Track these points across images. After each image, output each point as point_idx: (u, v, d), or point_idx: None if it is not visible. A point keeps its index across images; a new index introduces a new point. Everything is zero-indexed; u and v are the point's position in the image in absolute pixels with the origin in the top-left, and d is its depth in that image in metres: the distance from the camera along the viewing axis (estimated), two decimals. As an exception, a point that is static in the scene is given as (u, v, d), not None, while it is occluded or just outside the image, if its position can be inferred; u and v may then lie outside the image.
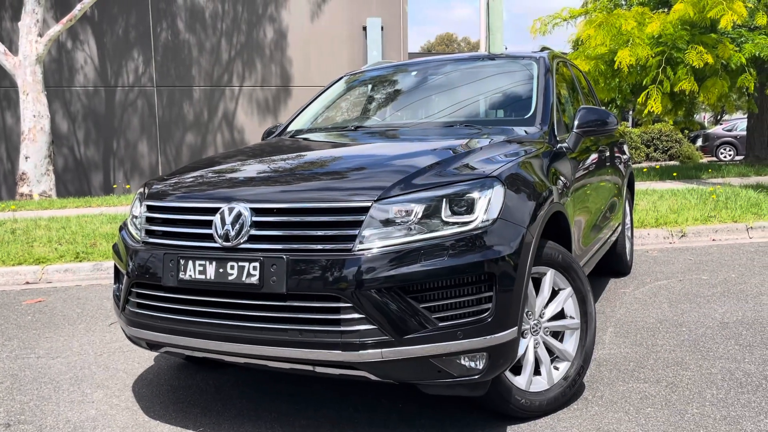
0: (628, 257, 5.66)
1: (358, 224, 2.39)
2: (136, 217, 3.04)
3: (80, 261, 6.60)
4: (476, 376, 2.43)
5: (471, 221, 2.43)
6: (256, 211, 2.52)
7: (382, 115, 3.93)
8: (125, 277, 2.81)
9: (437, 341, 2.35)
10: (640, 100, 11.35)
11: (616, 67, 11.13)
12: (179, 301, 2.60)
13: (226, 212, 2.54)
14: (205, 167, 3.17)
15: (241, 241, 2.49)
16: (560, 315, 2.95)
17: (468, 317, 2.38)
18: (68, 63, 16.48)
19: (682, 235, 7.37)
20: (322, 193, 2.50)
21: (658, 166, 16.13)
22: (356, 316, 2.33)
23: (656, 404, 2.95)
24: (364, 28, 16.95)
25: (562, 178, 3.16)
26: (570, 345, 2.96)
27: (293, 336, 2.38)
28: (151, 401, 3.20)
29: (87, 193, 16.34)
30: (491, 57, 4.24)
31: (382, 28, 16.88)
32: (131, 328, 2.79)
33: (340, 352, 2.34)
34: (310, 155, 3.18)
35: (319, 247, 2.39)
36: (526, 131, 3.35)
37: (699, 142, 27.61)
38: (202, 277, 2.51)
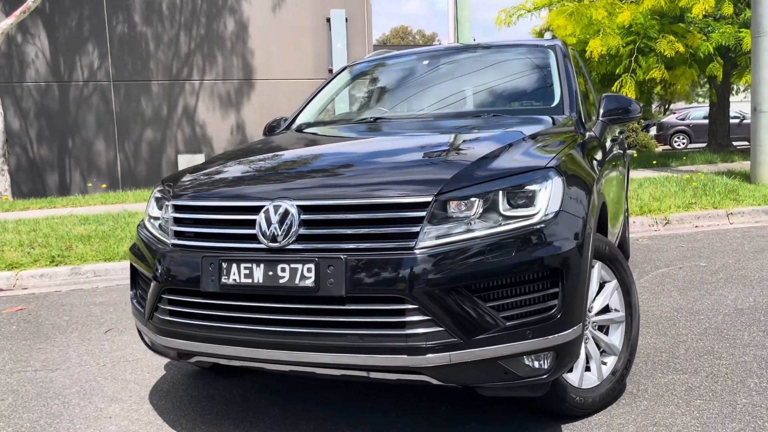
0: (628, 244, 5.68)
1: (418, 220, 2.25)
2: (155, 218, 2.83)
3: (56, 265, 6.26)
4: (543, 376, 2.33)
5: (533, 214, 2.31)
6: (304, 209, 2.35)
7: (399, 106, 3.78)
8: (152, 282, 2.60)
9: (506, 342, 2.23)
10: (614, 88, 11.49)
11: (587, 56, 11.23)
12: (221, 308, 2.42)
13: (272, 211, 2.36)
14: (229, 163, 2.98)
15: (290, 242, 2.32)
16: (606, 308, 2.87)
17: (535, 315, 2.27)
18: (19, 58, 15.74)
19: (666, 223, 7.46)
20: (376, 189, 2.35)
21: (636, 155, 16.41)
22: (422, 318, 2.19)
23: (703, 396, 2.90)
24: (328, 20, 16.70)
25: (597, 167, 3.08)
26: (616, 338, 2.88)
27: (352, 341, 2.23)
28: (174, 414, 3.00)
29: (41, 193, 15.66)
30: (503, 45, 4.13)
31: (346, 20, 16.66)
32: (162, 338, 2.59)
33: (405, 356, 2.20)
34: (344, 149, 3.01)
35: (379, 246, 2.24)
36: (556, 120, 3.25)
37: (653, 131, 28.25)
38: (249, 281, 2.33)
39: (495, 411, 2.84)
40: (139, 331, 2.97)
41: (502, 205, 2.31)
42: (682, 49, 10.69)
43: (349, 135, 3.31)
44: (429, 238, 2.23)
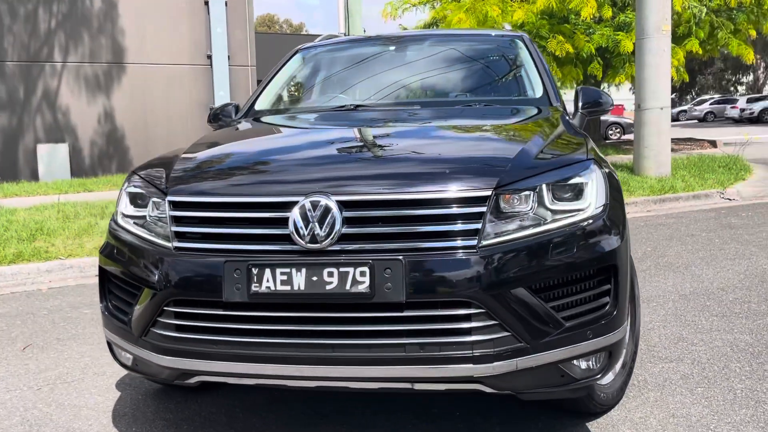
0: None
1: (478, 216, 2.07)
2: (132, 217, 2.43)
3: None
4: (597, 376, 2.24)
5: (584, 208, 2.21)
6: (345, 205, 2.08)
7: (372, 93, 3.53)
8: (146, 292, 2.21)
9: (569, 343, 2.11)
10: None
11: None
12: (247, 320, 2.09)
13: (308, 207, 2.07)
14: (227, 153, 2.61)
15: (333, 243, 2.05)
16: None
17: (591, 314, 2.17)
18: None
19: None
20: (425, 183, 2.12)
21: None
22: (489, 323, 2.02)
23: (701, 383, 2.97)
24: (207, 3, 15.84)
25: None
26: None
27: (412, 352, 2.01)
28: (155, 442, 2.60)
29: None
30: (469, 34, 4.02)
31: (226, 4, 15.90)
32: (162, 357, 2.21)
33: (471, 365, 2.01)
34: (358, 139, 2.71)
35: (437, 245, 2.03)
36: (544, 110, 3.18)
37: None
38: (287, 288, 2.03)
39: (515, 413, 2.72)
40: (111, 349, 2.54)
41: (553, 198, 2.19)
42: (571, 49, 11.25)
43: (345, 124, 3.03)
44: (490, 236, 2.06)
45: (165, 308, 2.18)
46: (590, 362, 2.23)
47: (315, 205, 2.07)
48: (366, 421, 2.70)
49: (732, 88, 57.67)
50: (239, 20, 16.36)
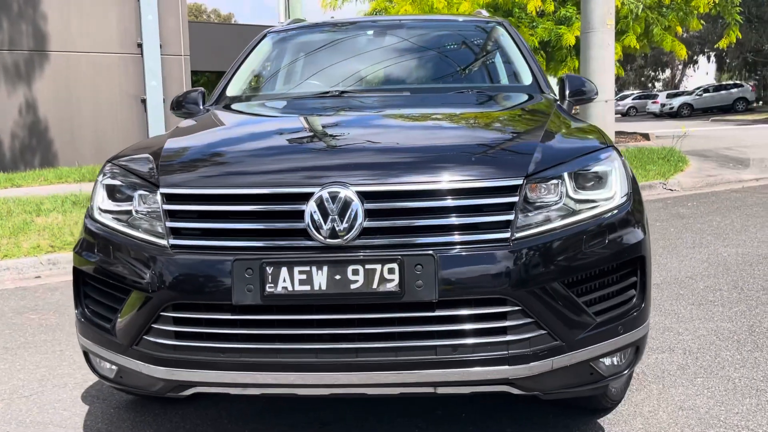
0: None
1: (509, 207, 1.93)
2: (110, 212, 2.17)
3: None
4: (624, 372, 2.16)
5: (610, 197, 2.11)
6: (366, 196, 1.90)
7: (357, 79, 3.34)
8: (141, 296, 1.97)
9: (601, 340, 2.01)
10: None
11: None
12: (261, 324, 1.89)
13: (326, 198, 1.88)
14: (219, 141, 2.38)
15: (355, 237, 1.87)
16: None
17: (620, 308, 2.08)
18: None
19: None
20: (450, 172, 1.96)
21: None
22: (525, 321, 1.89)
23: (699, 374, 2.95)
24: (136, -11, 15.10)
25: None
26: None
27: (444, 354, 1.86)
28: (140, 461, 2.35)
29: None
30: (449, 20, 3.89)
31: (157, -10, 15.21)
32: (156, 368, 1.97)
33: (507, 367, 1.88)
34: (367, 127, 2.50)
35: (468, 238, 1.89)
36: (538, 98, 3.08)
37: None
38: (306, 288, 1.84)
39: (523, 412, 2.61)
40: (88, 359, 2.27)
41: (579, 187, 2.08)
42: (516, 41, 11.28)
43: (341, 110, 2.81)
44: (523, 228, 1.93)
45: (162, 314, 1.94)
46: (617, 358, 2.14)
47: (334, 197, 1.88)
48: (370, 428, 2.53)
49: (650, 84, 60.23)
50: (171, 7, 15.69)
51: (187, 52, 16.22)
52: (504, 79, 3.36)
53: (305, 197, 1.90)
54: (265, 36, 3.85)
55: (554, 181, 2.03)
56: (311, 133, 2.43)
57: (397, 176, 1.94)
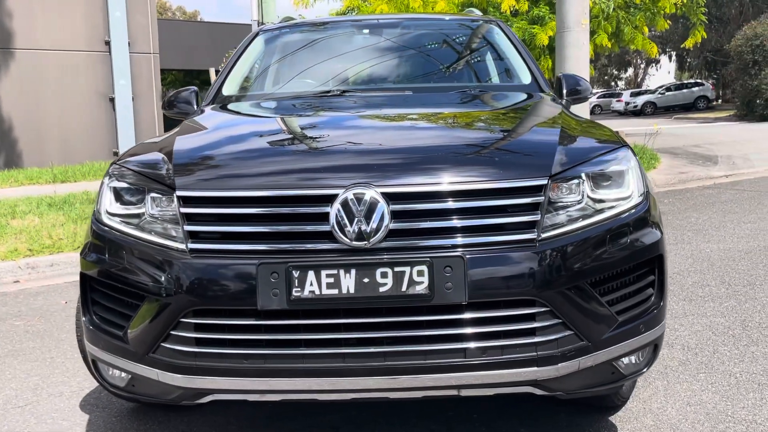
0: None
1: (535, 207, 1.92)
2: (117, 215, 2.11)
3: None
4: (643, 371, 2.17)
5: (628, 196, 2.11)
6: (391, 198, 1.87)
7: (358, 79, 3.30)
8: (158, 303, 1.91)
9: (624, 339, 2.02)
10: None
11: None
12: (287, 329, 1.84)
13: (351, 200, 1.84)
14: (232, 141, 2.32)
15: (381, 239, 1.84)
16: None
17: (639, 307, 2.09)
18: None
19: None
20: (473, 172, 1.95)
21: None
22: (552, 321, 1.88)
23: (701, 369, 2.99)
24: (103, -15, 14.77)
25: None
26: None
27: (474, 356, 1.84)
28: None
29: None
30: (441, 19, 3.88)
31: (125, -14, 14.90)
32: (174, 375, 1.92)
33: (535, 368, 1.88)
34: (383, 127, 2.46)
35: (495, 239, 1.87)
36: (542, 97, 3.08)
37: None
38: (334, 292, 1.80)
39: (533, 411, 2.62)
40: (96, 368, 2.20)
41: (597, 187, 2.08)
42: (491, 40, 11.33)
43: (350, 110, 2.76)
44: (548, 228, 1.93)
45: (182, 320, 1.89)
46: (636, 357, 2.15)
47: (359, 198, 1.85)
48: (383, 431, 2.50)
49: (613, 83, 61.24)
50: (140, 4, 15.38)
51: (157, 50, 15.94)
52: (503, 78, 3.35)
53: (329, 199, 1.87)
54: (257, 34, 3.79)
55: (575, 181, 2.03)
56: (327, 134, 2.39)
57: (422, 177, 1.92)
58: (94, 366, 2.21)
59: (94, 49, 14.84)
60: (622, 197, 2.10)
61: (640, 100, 37.58)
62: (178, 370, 1.91)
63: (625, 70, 59.60)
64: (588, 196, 2.03)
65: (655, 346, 2.16)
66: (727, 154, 11.61)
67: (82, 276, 2.16)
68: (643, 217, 2.11)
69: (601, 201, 2.06)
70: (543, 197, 1.93)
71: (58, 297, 4.55)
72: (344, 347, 1.83)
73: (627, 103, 38.24)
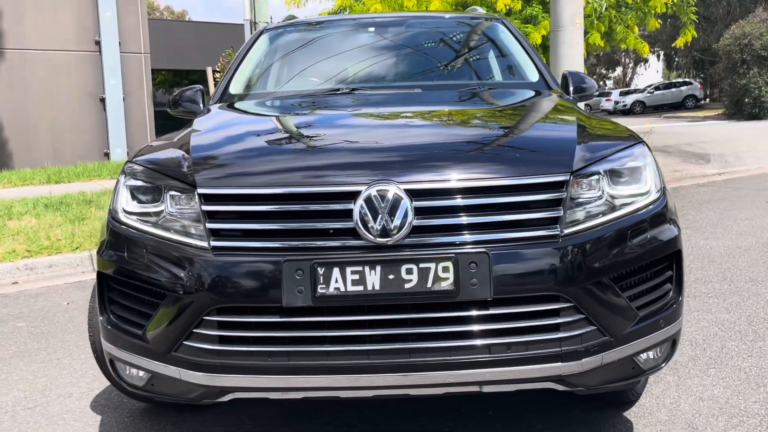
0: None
1: (558, 203, 1.93)
2: (134, 214, 2.09)
3: None
4: (662, 366, 2.17)
5: (646, 192, 2.12)
6: (414, 194, 1.87)
7: (365, 77, 3.28)
8: (181, 301, 1.89)
9: (645, 334, 2.03)
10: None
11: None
12: (311, 326, 1.84)
13: (375, 196, 1.84)
14: (246, 138, 2.31)
15: (406, 236, 1.84)
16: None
17: (659, 302, 2.10)
18: None
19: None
20: (501, 168, 1.95)
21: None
22: (576, 317, 1.89)
23: (710, 364, 3.01)
24: (94, -16, 14.67)
25: None
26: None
27: (498, 353, 1.84)
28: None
29: None
30: (447, 17, 3.88)
31: (115, -14, 14.81)
32: (196, 374, 1.90)
33: (560, 364, 1.88)
34: (399, 125, 2.45)
35: (518, 235, 1.87)
36: (552, 95, 3.09)
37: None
38: (359, 288, 1.80)
39: (547, 408, 2.62)
40: (113, 367, 2.18)
41: (616, 183, 2.09)
42: (486, 39, 11.36)
43: (366, 107, 2.75)
44: (570, 224, 1.93)
45: (205, 318, 1.87)
46: (655, 352, 2.15)
47: (382, 195, 1.84)
48: (399, 429, 2.50)
49: (601, 82, 61.56)
50: (130, 4, 15.29)
51: (148, 50, 15.86)
52: (511, 76, 3.36)
53: (352, 196, 1.86)
54: (261, 33, 3.77)
55: (595, 177, 2.03)
56: (345, 131, 2.39)
57: (444, 173, 1.92)
58: (111, 365, 2.19)
59: (85, 49, 14.74)
60: (640, 193, 2.11)
61: (630, 100, 37.78)
62: (201, 368, 1.90)
63: (614, 70, 59.91)
64: (607, 192, 2.04)
65: (673, 341, 2.17)
66: (719, 153, 11.69)
67: (99, 275, 2.15)
68: (662, 212, 2.12)
69: (620, 197, 2.06)
70: (565, 193, 1.93)
71: (58, 298, 4.51)
72: (369, 344, 1.83)
73: (616, 103, 38.40)
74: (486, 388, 1.97)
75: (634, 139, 2.25)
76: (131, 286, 2.06)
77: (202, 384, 1.93)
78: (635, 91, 40.63)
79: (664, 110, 35.35)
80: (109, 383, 2.83)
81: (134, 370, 2.11)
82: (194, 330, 1.89)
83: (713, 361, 3.05)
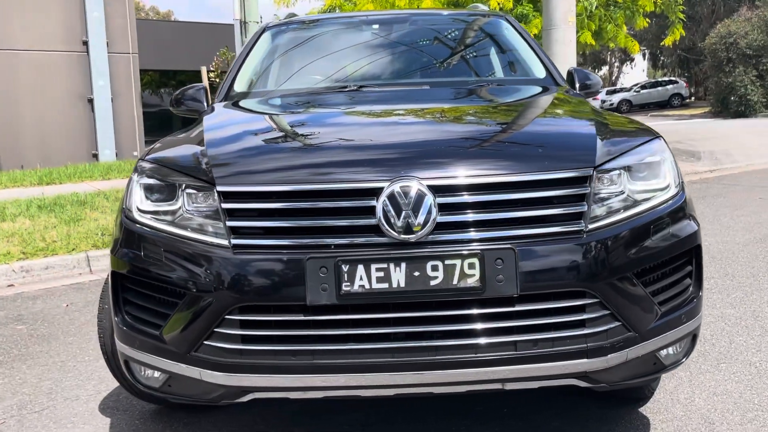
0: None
1: (581, 198, 1.91)
2: (149, 212, 2.06)
3: None
4: (682, 361, 2.17)
5: (666, 187, 2.11)
6: (437, 190, 1.85)
7: (369, 74, 3.25)
8: (201, 300, 1.86)
9: (667, 329, 2.02)
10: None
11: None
12: (336, 324, 1.81)
13: (398, 193, 1.82)
14: (262, 136, 2.28)
15: (430, 232, 1.82)
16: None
17: (680, 297, 2.09)
18: None
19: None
20: (525, 163, 1.93)
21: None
22: (602, 313, 1.87)
23: (721, 360, 3.02)
24: (81, -16, 14.52)
25: None
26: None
27: (524, 349, 1.83)
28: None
29: None
30: (449, 13, 3.86)
31: (102, -15, 14.67)
32: (216, 374, 1.87)
33: (586, 360, 1.87)
34: (415, 121, 2.43)
35: (543, 231, 1.86)
36: (562, 91, 3.08)
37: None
38: (384, 286, 1.78)
39: (563, 404, 2.61)
40: (128, 368, 2.14)
41: (635, 178, 2.08)
42: (478, 37, 11.37)
43: (379, 103, 2.71)
44: (595, 219, 1.92)
45: (227, 317, 1.84)
46: (676, 348, 2.15)
47: (406, 192, 1.82)
48: (415, 428, 2.48)
49: (588, 81, 61.79)
50: (118, 4, 15.15)
51: (136, 50, 15.72)
52: (519, 72, 3.35)
53: (375, 192, 1.84)
54: (264, 31, 3.74)
55: (617, 172, 2.03)
56: (360, 128, 2.36)
57: (467, 169, 1.90)
58: (125, 366, 2.15)
59: (72, 49, 14.58)
60: (660, 188, 2.10)
61: (616, 98, 38.01)
62: (222, 368, 1.87)
63: (600, 68, 60.25)
64: (628, 188, 2.03)
65: (693, 336, 2.17)
66: (709, 150, 11.78)
67: (114, 274, 2.11)
68: (681, 207, 2.11)
69: (640, 192, 2.06)
70: (589, 188, 1.92)
71: (57, 300, 4.44)
72: (394, 341, 1.81)
73: (603, 101, 38.57)
74: (509, 386, 1.95)
75: (652, 134, 2.25)
76: (148, 286, 2.03)
77: (224, 384, 1.89)
78: (622, 89, 40.89)
79: (650, 109, 35.60)
80: (116, 386, 2.80)
81: (150, 371, 2.07)
82: (215, 329, 1.86)
83: (723, 356, 3.05)
